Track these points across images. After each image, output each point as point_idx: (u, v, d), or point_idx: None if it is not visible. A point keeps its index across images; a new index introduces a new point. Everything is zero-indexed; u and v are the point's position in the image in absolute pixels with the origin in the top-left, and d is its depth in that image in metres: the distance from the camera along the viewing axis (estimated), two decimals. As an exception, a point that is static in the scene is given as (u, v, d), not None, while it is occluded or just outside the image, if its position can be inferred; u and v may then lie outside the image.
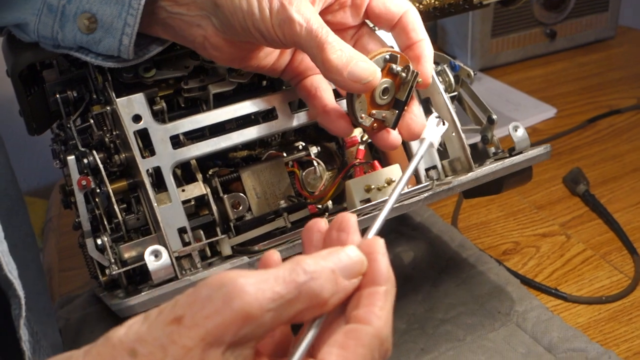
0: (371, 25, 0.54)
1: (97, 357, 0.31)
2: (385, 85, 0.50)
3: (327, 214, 0.59)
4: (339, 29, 0.48)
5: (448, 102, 0.62)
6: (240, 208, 0.59)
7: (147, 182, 0.53)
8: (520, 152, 0.62)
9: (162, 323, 0.31)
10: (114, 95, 0.55)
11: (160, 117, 0.58)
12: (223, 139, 0.56)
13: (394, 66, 0.50)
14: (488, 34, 1.29)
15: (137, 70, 0.57)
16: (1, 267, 0.46)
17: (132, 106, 0.55)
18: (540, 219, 0.89)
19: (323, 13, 0.48)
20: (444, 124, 0.49)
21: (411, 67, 0.50)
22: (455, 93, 0.66)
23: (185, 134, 0.57)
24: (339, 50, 0.46)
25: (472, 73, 0.66)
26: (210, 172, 0.59)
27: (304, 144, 0.63)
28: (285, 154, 0.61)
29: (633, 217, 0.87)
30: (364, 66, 0.47)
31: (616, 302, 0.74)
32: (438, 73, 0.65)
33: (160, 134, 0.55)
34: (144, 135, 0.55)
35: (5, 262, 0.47)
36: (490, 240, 0.85)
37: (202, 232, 0.57)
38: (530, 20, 1.31)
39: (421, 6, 0.73)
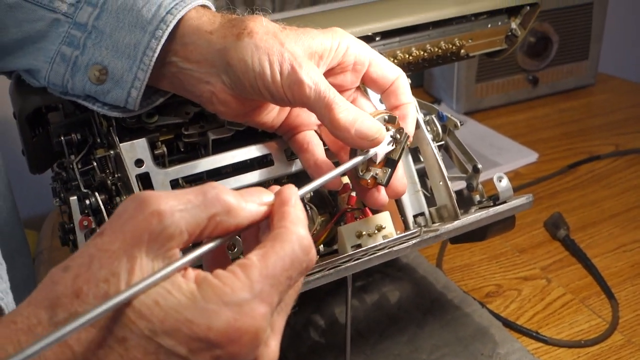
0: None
1: (41, 285, 0.35)
2: None
3: (318, 256, 0.61)
4: (339, 91, 0.51)
5: (435, 150, 0.65)
6: (235, 250, 0.61)
7: (147, 224, 0.55)
8: (504, 202, 0.64)
9: (89, 242, 0.36)
10: (117, 140, 0.58)
11: (160, 160, 0.60)
12: (221, 184, 0.59)
13: (390, 127, 0.52)
14: (473, 79, 1.33)
15: (140, 116, 0.59)
16: None
17: (134, 151, 0.58)
18: (521, 263, 0.92)
19: (325, 75, 0.51)
20: (393, 144, 0.52)
21: (404, 130, 0.53)
22: (443, 142, 0.69)
23: (184, 177, 0.59)
24: (346, 110, 0.49)
25: (458, 123, 0.69)
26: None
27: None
28: (279, 198, 0.64)
29: (611, 262, 0.90)
30: (370, 124, 0.50)
31: (594, 346, 0.76)
32: (426, 123, 0.68)
33: (161, 178, 0.57)
34: (144, 178, 0.57)
35: None
36: (473, 282, 0.88)
37: (198, 273, 0.59)
38: (514, 67, 1.35)
39: (411, 58, 0.76)
